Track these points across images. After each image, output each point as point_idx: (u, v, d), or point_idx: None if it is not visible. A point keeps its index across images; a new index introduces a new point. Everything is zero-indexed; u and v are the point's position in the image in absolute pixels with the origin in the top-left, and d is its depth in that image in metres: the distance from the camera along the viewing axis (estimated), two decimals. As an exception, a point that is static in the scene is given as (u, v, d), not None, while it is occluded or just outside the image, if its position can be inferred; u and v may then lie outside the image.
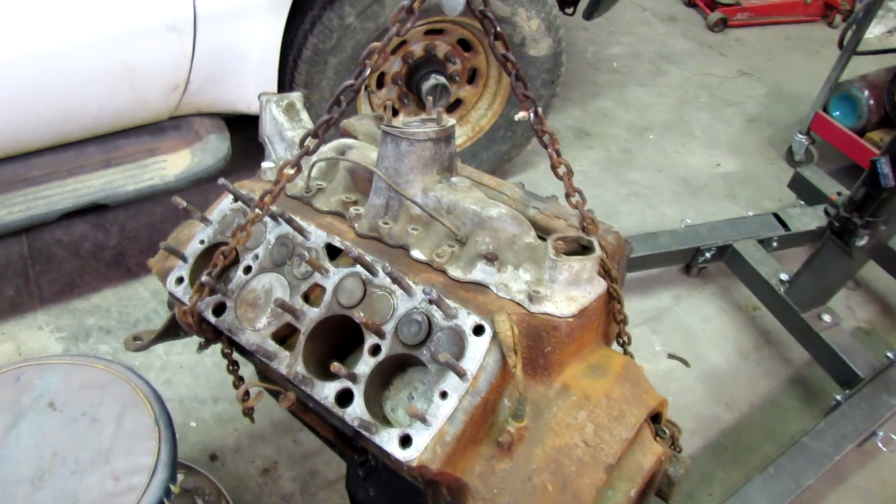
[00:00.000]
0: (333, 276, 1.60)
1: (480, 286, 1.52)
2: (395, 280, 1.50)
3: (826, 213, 2.91)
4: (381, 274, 1.55)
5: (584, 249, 1.53)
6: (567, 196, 1.60)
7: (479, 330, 1.43)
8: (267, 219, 1.74)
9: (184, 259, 1.78)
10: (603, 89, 5.46)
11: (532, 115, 1.57)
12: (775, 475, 2.59)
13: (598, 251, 1.49)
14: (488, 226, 1.56)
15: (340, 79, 3.14)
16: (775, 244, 3.52)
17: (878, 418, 2.82)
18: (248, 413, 2.00)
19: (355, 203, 1.73)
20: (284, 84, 3.17)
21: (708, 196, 4.40)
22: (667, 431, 1.70)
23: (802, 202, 3.91)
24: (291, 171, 1.48)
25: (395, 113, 3.65)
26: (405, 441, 1.39)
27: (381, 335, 1.48)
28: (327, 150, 1.84)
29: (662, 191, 4.37)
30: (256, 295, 1.66)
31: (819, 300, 3.11)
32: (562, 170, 1.57)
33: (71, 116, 2.64)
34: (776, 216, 3.60)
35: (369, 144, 1.88)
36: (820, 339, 3.04)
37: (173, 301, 1.83)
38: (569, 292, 1.48)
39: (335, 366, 1.40)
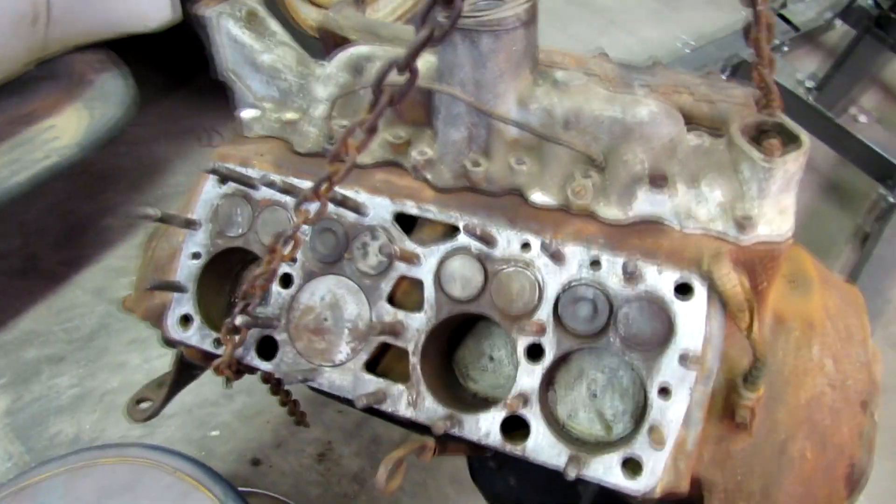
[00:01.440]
0: (427, 260, 1.09)
1: (653, 223, 1.05)
2: (528, 247, 1.02)
3: (876, 4, 2.53)
4: (503, 241, 1.05)
5: (767, 134, 1.07)
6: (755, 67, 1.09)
7: (684, 290, 0.99)
8: (283, 197, 1.18)
9: (181, 289, 1.22)
10: None
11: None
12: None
13: (805, 138, 1.03)
14: (637, 134, 1.06)
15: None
16: (786, 48, 3.15)
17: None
18: (301, 421, 1.55)
19: (409, 143, 1.18)
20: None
21: (687, 7, 3.93)
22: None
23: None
24: (363, 138, 0.90)
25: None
26: (631, 466, 0.99)
27: (538, 331, 1.01)
28: (337, 68, 1.24)
29: (637, 12, 3.88)
30: (317, 315, 1.14)
31: (848, 100, 2.82)
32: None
33: None
34: (781, 17, 3.19)
35: (386, 46, 1.29)
36: (858, 142, 2.79)
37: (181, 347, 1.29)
38: (780, 202, 1.03)
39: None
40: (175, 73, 3.44)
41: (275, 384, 1.41)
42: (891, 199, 2.70)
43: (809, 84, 2.85)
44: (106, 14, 2.09)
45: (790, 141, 1.02)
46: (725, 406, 1.05)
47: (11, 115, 2.16)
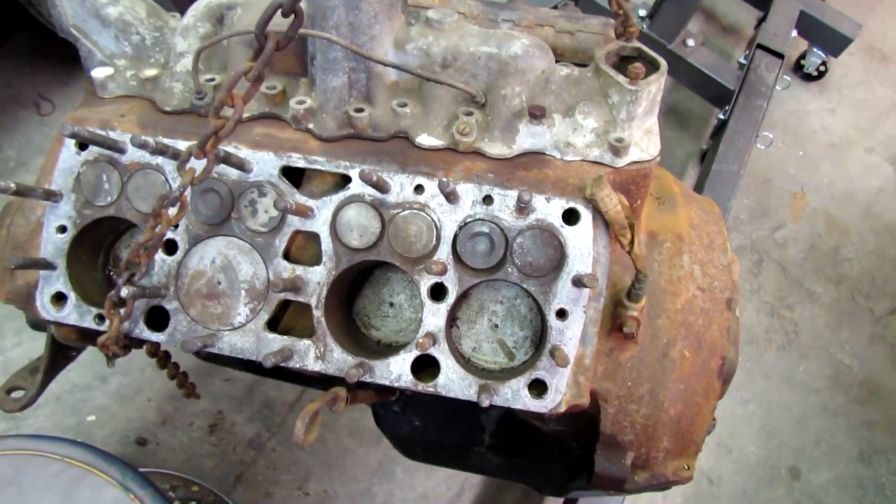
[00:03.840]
0: (321, 212, 1.07)
1: (536, 155, 1.10)
2: (421, 190, 1.03)
3: None
4: (396, 186, 1.06)
5: (627, 60, 1.14)
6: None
7: (571, 215, 1.04)
8: (157, 159, 1.11)
9: (49, 266, 1.12)
10: None
11: None
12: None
13: (663, 63, 1.10)
14: (513, 68, 1.09)
15: None
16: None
17: (756, 122, 2.93)
18: (191, 392, 1.51)
19: (284, 93, 1.14)
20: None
21: None
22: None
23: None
24: (249, 88, 0.85)
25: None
26: (536, 387, 1.05)
27: (441, 271, 1.04)
28: (196, 19, 1.16)
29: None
30: (210, 279, 1.10)
31: (679, 27, 3.01)
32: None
33: None
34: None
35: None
36: (690, 66, 3.01)
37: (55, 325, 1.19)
38: (646, 124, 1.12)
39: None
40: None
41: (162, 357, 1.35)
42: (721, 117, 2.94)
43: (642, 13, 3.00)
44: None
45: (649, 65, 1.10)
46: (613, 321, 1.13)
47: None
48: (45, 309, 1.13)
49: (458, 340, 1.15)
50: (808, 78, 3.57)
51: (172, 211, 0.96)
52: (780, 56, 3.03)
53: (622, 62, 1.13)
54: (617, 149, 1.06)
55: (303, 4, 1.06)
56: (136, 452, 2.19)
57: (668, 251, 1.22)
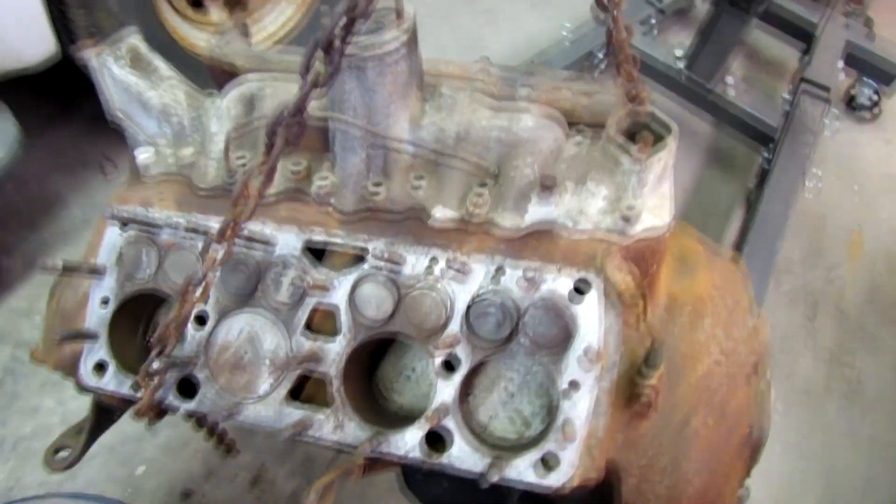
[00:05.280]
0: (340, 287, 1.12)
1: (548, 224, 1.12)
2: (435, 263, 1.06)
3: None
4: (411, 260, 1.09)
5: (641, 126, 1.15)
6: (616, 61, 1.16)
7: (580, 290, 1.05)
8: (190, 236, 1.18)
9: (92, 337, 1.20)
10: None
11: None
12: (752, 252, 2.56)
13: (674, 128, 1.11)
14: (524, 141, 1.12)
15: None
16: (654, 21, 3.30)
17: (804, 161, 2.86)
18: (230, 449, 1.56)
19: (309, 171, 1.20)
20: (56, 16, 2.24)
21: None
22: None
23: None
24: (261, 181, 0.92)
25: (199, 3, 2.80)
26: (548, 463, 1.05)
27: (452, 343, 1.06)
28: (230, 103, 1.24)
29: (518, 3, 3.95)
30: (236, 351, 1.15)
31: (718, 69, 2.99)
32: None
33: None
34: (645, -1, 3.35)
35: (276, 73, 1.29)
36: (732, 106, 2.97)
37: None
38: (658, 191, 1.12)
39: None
40: (60, 103, 3.29)
41: (199, 420, 1.41)
42: (765, 156, 2.89)
43: (679, 53, 2.99)
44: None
45: (663, 128, 1.11)
46: (632, 391, 1.13)
47: None
48: (88, 377, 1.21)
49: (475, 410, 1.16)
50: (860, 110, 3.45)
51: (197, 291, 1.02)
52: (827, 89, 2.96)
53: (636, 127, 1.14)
54: (628, 217, 1.07)
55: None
56: (179, 505, 2.25)
57: (688, 316, 1.21)
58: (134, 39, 1.27)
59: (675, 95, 3.18)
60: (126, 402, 1.28)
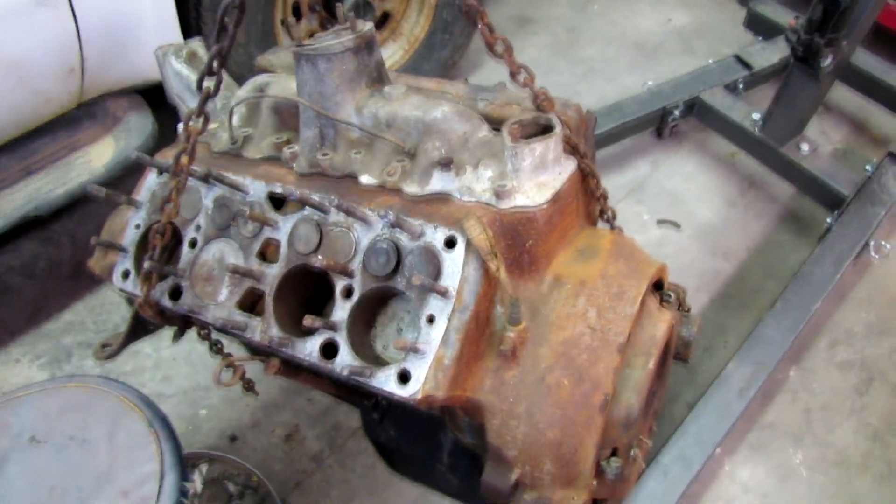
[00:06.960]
0: (283, 225, 1.45)
1: (442, 196, 1.39)
2: (347, 212, 1.36)
3: (787, 40, 2.75)
4: (333, 210, 1.41)
5: (544, 130, 1.39)
6: (512, 76, 1.44)
7: (451, 242, 1.30)
8: (199, 184, 1.58)
9: (123, 250, 1.63)
10: (532, -30, 5.16)
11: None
12: (784, 309, 2.54)
13: (558, 128, 1.35)
14: (435, 129, 1.41)
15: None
16: (741, 86, 3.38)
17: (867, 229, 2.77)
18: (249, 387, 1.90)
19: (288, 142, 1.57)
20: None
21: (665, 55, 4.21)
22: (672, 295, 1.61)
23: (761, 38, 3.74)
24: (198, 123, 1.31)
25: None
26: (404, 377, 1.29)
27: (348, 274, 1.35)
28: (243, 91, 1.66)
29: (618, 61, 4.18)
30: (209, 267, 1.52)
31: (794, 131, 3.00)
32: (499, 47, 1.40)
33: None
34: (737, 58, 3.44)
35: (289, 76, 1.70)
36: (802, 169, 2.97)
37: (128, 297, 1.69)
38: (537, 178, 1.35)
39: (308, 319, 1.28)
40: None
41: (206, 335, 1.79)
42: (829, 221, 2.84)
43: (756, 116, 3.04)
44: (132, 67, 2.64)
45: (550, 130, 1.34)
46: (501, 343, 1.33)
47: (60, 145, 2.72)
48: (117, 280, 1.64)
49: (374, 339, 1.43)
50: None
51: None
52: (913, 166, 2.86)
53: (536, 129, 1.39)
54: (499, 193, 1.31)
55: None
56: (226, 446, 2.66)
57: (566, 292, 1.39)
58: (195, 44, 1.74)
59: (755, 156, 3.23)
60: (158, 315, 1.67)
